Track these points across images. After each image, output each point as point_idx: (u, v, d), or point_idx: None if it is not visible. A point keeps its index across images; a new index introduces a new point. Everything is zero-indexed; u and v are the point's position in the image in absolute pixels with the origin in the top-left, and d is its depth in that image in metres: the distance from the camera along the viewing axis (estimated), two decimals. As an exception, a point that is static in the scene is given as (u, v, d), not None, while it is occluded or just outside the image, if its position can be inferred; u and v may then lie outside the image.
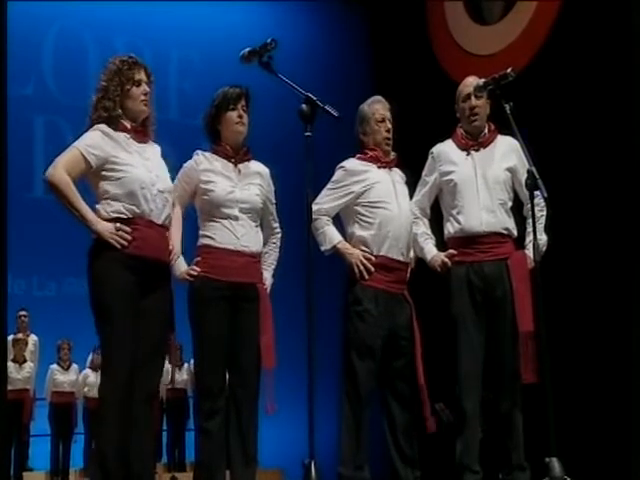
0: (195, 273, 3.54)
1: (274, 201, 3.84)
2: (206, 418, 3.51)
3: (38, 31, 9.57)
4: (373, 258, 3.81)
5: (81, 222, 3.20)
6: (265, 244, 3.79)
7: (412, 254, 4.00)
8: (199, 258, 3.60)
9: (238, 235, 3.58)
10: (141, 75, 3.37)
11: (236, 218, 3.60)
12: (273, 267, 3.82)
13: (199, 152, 3.71)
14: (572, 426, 5.09)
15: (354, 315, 3.79)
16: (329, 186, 3.96)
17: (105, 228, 3.18)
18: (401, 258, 3.88)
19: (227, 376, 3.63)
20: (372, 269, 3.79)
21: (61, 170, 3.20)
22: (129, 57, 3.39)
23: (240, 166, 3.70)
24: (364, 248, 3.84)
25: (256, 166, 3.78)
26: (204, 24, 10.34)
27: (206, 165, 3.65)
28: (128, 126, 3.35)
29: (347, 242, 3.91)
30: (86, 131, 3.32)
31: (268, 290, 3.72)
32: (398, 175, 4.06)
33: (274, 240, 3.86)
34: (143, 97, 3.35)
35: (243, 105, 3.70)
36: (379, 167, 3.96)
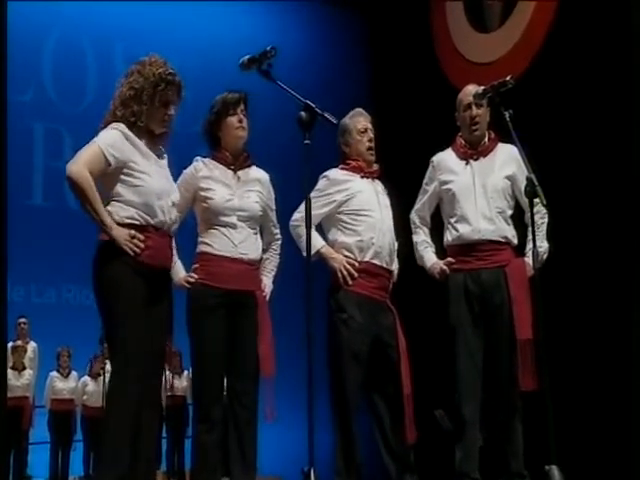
0: (193, 280, 3.55)
1: (274, 207, 3.84)
2: (203, 427, 3.50)
3: (37, 37, 9.59)
4: (357, 264, 3.80)
5: (97, 224, 3.13)
6: (265, 250, 3.79)
7: (395, 265, 3.98)
8: (197, 265, 3.60)
9: (236, 243, 3.58)
10: (173, 96, 3.31)
11: (234, 226, 3.60)
12: (273, 273, 3.82)
13: (199, 159, 3.71)
14: (572, 434, 5.08)
15: (339, 323, 3.76)
16: (312, 194, 3.95)
17: (121, 234, 3.12)
18: (384, 265, 3.87)
19: (225, 384, 3.62)
20: (356, 274, 3.78)
21: (83, 167, 3.11)
22: (169, 73, 3.29)
23: (240, 173, 3.70)
24: (348, 254, 3.83)
25: (256, 173, 3.77)
26: (203, 31, 10.36)
27: (205, 172, 3.65)
28: (146, 135, 3.30)
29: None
30: (105, 124, 3.25)
31: (267, 297, 3.71)
32: (380, 187, 4.05)
33: (274, 246, 3.86)
34: (166, 118, 3.30)
35: (242, 110, 3.70)
36: (362, 177, 3.95)
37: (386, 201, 4.02)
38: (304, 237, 3.82)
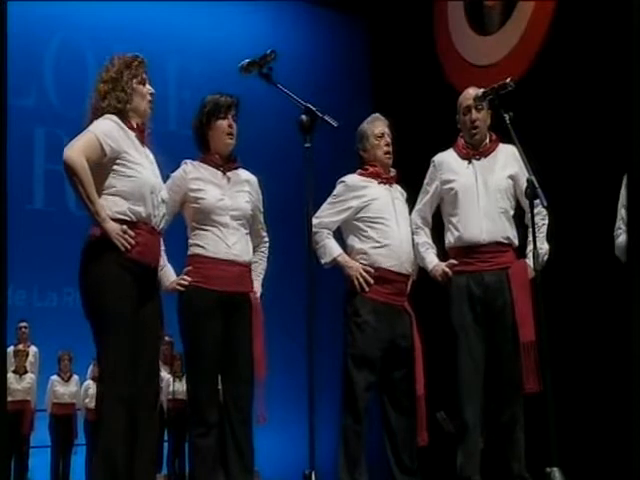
0: (186, 283, 3.52)
1: (262, 209, 3.83)
2: (199, 430, 3.49)
3: (39, 42, 9.60)
4: (372, 271, 3.82)
5: (90, 214, 3.10)
6: (254, 253, 3.77)
7: (413, 266, 3.99)
8: (190, 267, 3.57)
9: (229, 244, 3.56)
10: (145, 75, 3.34)
11: (227, 226, 3.58)
12: (262, 276, 3.81)
13: (187, 161, 3.69)
14: (574, 436, 5.07)
15: (353, 326, 3.80)
16: (329, 200, 3.98)
17: (113, 228, 3.09)
18: (401, 271, 3.88)
19: (220, 388, 3.61)
20: (371, 281, 3.80)
21: (79, 153, 3.06)
22: (137, 55, 3.35)
23: (229, 174, 3.69)
24: (364, 262, 3.84)
25: (245, 174, 3.77)
26: (203, 34, 10.36)
27: (195, 174, 3.63)
28: (134, 124, 3.29)
29: (347, 255, 3.91)
30: (90, 122, 3.21)
31: (258, 299, 3.69)
32: (398, 192, 4.08)
33: (262, 249, 3.85)
34: (149, 97, 3.33)
35: (234, 115, 3.69)
36: (379, 183, 3.97)
37: (403, 208, 4.04)
38: (321, 243, 3.87)
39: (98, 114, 3.23)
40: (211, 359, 3.50)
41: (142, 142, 3.33)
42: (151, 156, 3.39)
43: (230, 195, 3.63)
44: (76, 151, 3.08)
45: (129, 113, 3.27)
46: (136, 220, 3.18)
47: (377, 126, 4.03)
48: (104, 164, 3.17)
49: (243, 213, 3.64)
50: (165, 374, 8.70)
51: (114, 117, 3.22)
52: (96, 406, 3.19)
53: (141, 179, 3.19)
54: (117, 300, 3.09)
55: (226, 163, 3.70)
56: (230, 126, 3.67)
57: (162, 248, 3.45)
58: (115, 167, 3.18)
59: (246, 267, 3.64)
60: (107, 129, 3.17)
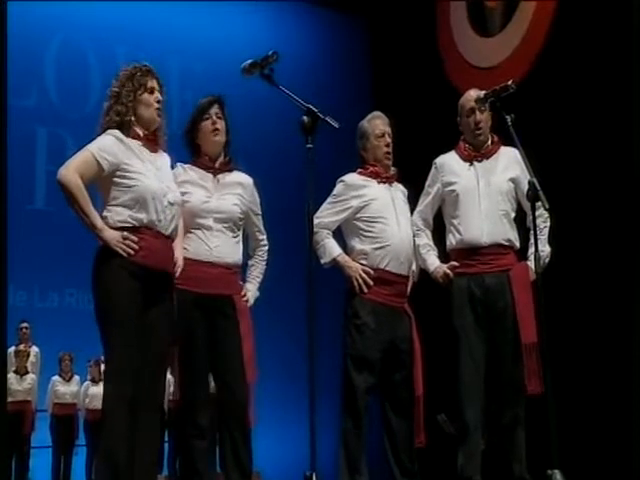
0: None
1: (259, 212, 3.80)
2: (191, 433, 3.47)
3: (40, 42, 9.61)
4: (372, 272, 3.81)
5: (88, 228, 3.18)
6: (252, 257, 3.77)
7: (414, 267, 3.99)
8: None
9: (211, 246, 3.54)
10: (154, 83, 3.37)
11: (210, 228, 3.56)
12: (259, 280, 3.78)
13: (179, 165, 3.68)
14: (575, 437, 5.06)
15: (353, 328, 3.80)
16: (329, 200, 3.97)
17: (112, 236, 3.15)
18: (401, 272, 3.88)
19: (210, 391, 3.60)
20: (371, 283, 3.80)
21: (73, 171, 3.18)
22: (143, 65, 3.38)
23: (219, 176, 3.67)
24: (364, 262, 3.84)
25: (239, 177, 3.73)
26: (205, 35, 10.38)
27: (184, 177, 3.63)
28: (140, 134, 3.33)
29: (347, 255, 3.91)
30: (97, 137, 3.29)
31: (251, 302, 3.66)
32: (399, 191, 4.07)
33: (260, 252, 3.82)
34: (156, 105, 3.36)
35: (217, 112, 3.67)
36: (379, 182, 3.96)
37: (404, 207, 4.03)
38: (321, 243, 3.87)
39: (102, 130, 3.32)
40: (195, 361, 3.48)
41: (152, 149, 3.36)
42: (161, 161, 3.41)
43: (217, 197, 3.61)
44: (70, 169, 3.19)
45: (132, 124, 3.31)
46: (138, 225, 3.22)
47: (377, 125, 4.02)
48: (105, 178, 3.25)
49: (229, 216, 3.61)
50: (167, 375, 8.71)
51: (115, 131, 3.28)
52: (102, 407, 3.20)
53: (141, 187, 3.23)
54: (122, 303, 3.14)
55: (217, 165, 3.68)
56: (213, 123, 3.65)
57: (177, 251, 3.45)
58: (115, 179, 3.24)
59: (230, 269, 3.59)
60: (104, 144, 3.24)
